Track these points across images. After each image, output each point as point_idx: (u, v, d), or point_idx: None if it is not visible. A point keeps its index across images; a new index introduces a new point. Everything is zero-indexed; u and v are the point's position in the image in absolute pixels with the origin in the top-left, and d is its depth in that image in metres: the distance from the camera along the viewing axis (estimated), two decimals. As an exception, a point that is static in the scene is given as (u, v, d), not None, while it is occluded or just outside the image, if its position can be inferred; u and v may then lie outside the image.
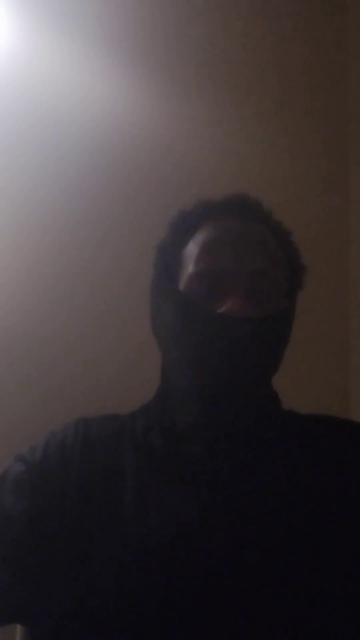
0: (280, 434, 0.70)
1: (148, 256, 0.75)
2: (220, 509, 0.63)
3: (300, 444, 0.69)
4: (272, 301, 0.67)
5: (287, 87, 1.48)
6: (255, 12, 1.46)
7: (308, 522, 0.62)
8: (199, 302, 0.66)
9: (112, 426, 0.73)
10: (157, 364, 0.73)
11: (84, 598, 0.60)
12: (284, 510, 0.63)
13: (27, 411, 1.19)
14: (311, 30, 1.51)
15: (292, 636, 0.58)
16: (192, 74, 1.40)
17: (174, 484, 0.65)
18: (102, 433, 0.72)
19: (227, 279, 0.66)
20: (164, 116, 1.36)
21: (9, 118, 1.27)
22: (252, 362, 0.64)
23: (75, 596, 0.61)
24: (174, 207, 0.74)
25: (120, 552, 0.62)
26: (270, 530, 0.62)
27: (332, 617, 0.59)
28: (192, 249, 0.69)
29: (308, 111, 1.49)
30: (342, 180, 1.51)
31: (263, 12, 1.47)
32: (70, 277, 1.27)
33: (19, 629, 0.77)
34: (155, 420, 0.71)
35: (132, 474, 0.67)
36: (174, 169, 1.33)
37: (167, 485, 0.65)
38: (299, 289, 0.73)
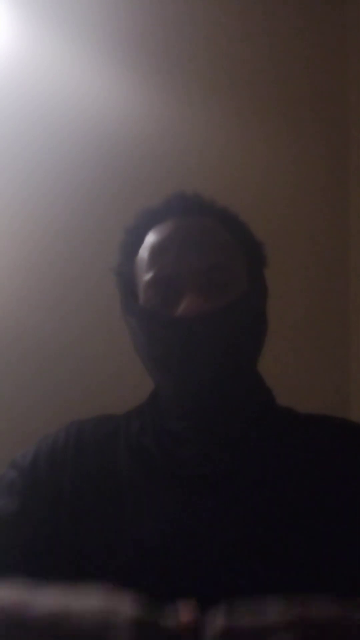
0: (275, 433, 0.70)
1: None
2: (214, 511, 0.63)
3: (296, 444, 0.69)
4: (230, 289, 0.66)
5: (287, 88, 1.48)
6: (256, 13, 1.46)
7: (305, 522, 0.62)
8: (155, 311, 0.66)
9: (106, 428, 0.73)
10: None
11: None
12: (279, 510, 0.63)
13: (26, 411, 1.19)
14: (312, 31, 1.51)
15: None
16: (192, 74, 1.40)
17: (169, 486, 0.65)
18: (96, 435, 0.72)
19: (179, 280, 0.65)
20: (164, 117, 1.36)
21: (9, 118, 1.27)
22: (223, 354, 0.64)
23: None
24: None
25: (115, 554, 0.62)
26: (266, 531, 0.61)
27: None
28: (141, 258, 0.70)
29: (309, 112, 1.49)
30: (342, 179, 1.51)
31: (264, 13, 1.47)
32: (70, 277, 1.27)
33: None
34: (149, 423, 0.71)
35: (127, 476, 0.67)
36: (173, 170, 1.33)
37: (162, 487, 0.65)
38: (262, 266, 0.73)
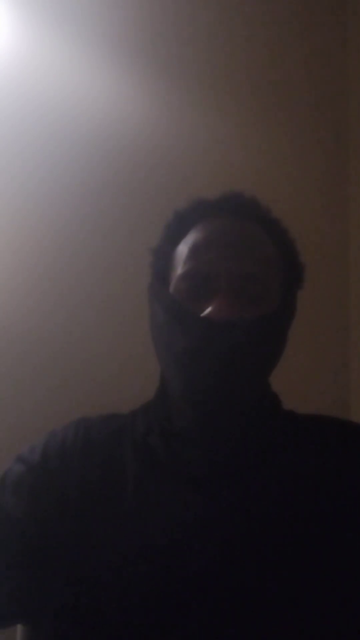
0: (280, 435, 0.70)
1: (148, 256, 0.75)
2: (219, 511, 0.63)
3: (299, 445, 0.69)
4: (262, 303, 0.65)
5: (287, 88, 1.48)
6: (256, 14, 1.46)
7: (307, 523, 0.62)
8: (183, 304, 0.65)
9: (113, 426, 0.73)
10: (158, 363, 0.73)
11: (84, 598, 0.60)
12: (283, 511, 0.63)
13: (27, 411, 1.19)
14: (311, 31, 1.51)
15: (290, 637, 0.58)
16: (192, 74, 1.40)
17: (174, 485, 0.65)
18: (103, 433, 0.72)
19: (214, 281, 0.64)
20: (164, 117, 1.36)
21: (9, 118, 1.27)
22: (241, 365, 0.63)
23: (76, 596, 0.61)
24: (173, 207, 0.74)
25: (120, 553, 0.62)
26: (269, 532, 0.62)
27: (332, 618, 0.59)
28: (182, 249, 0.68)
29: (308, 112, 1.49)
30: (341, 179, 1.51)
31: (264, 13, 1.47)
32: (71, 277, 1.27)
33: (19, 628, 0.77)
34: (155, 422, 0.71)
35: (133, 475, 0.67)
36: (174, 170, 1.33)
37: (167, 486, 0.65)
38: (298, 288, 0.72)
